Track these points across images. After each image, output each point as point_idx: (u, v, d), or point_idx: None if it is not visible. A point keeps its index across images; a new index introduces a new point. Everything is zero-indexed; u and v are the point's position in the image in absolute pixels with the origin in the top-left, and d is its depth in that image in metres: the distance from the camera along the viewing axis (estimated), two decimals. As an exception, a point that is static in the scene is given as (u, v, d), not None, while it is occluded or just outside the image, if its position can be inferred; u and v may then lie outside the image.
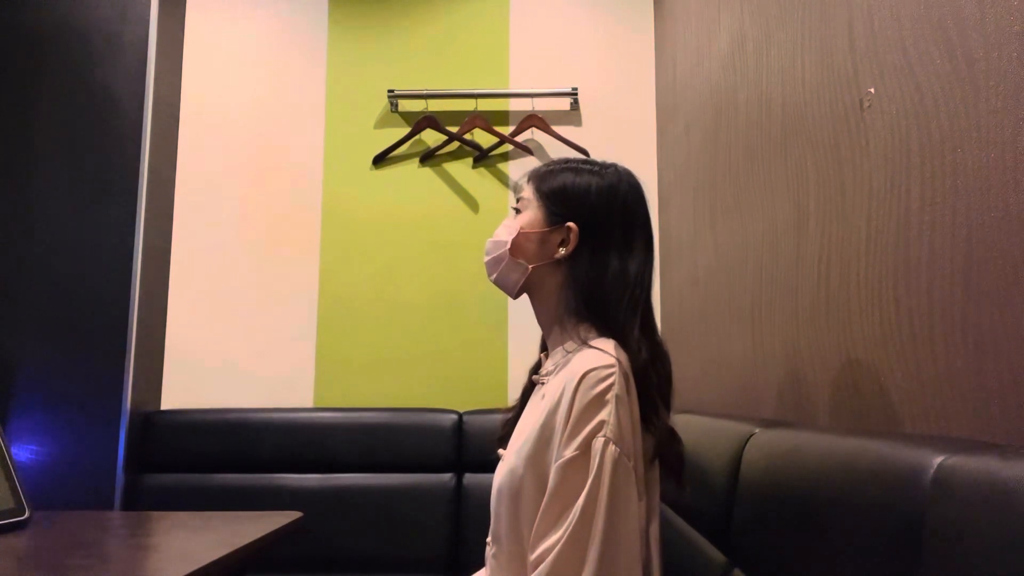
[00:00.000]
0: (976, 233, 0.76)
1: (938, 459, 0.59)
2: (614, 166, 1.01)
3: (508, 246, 0.98)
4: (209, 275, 2.31)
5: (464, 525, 2.00)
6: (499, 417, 1.09)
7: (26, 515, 1.37)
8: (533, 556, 0.82)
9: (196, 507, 1.82)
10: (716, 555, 1.09)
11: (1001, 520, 0.50)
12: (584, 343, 0.90)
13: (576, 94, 2.35)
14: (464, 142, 2.35)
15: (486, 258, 1.03)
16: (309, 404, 2.27)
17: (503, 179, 2.38)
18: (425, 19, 2.44)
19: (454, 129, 2.34)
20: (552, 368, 0.96)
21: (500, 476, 0.93)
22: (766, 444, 0.98)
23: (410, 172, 2.38)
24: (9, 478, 1.40)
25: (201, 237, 2.32)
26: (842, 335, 1.05)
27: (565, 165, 1.01)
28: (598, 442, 0.80)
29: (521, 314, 2.23)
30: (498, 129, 2.32)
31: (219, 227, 2.33)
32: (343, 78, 2.41)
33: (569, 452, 0.81)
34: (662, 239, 2.23)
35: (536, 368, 1.04)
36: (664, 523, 0.95)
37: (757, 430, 1.04)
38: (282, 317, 2.31)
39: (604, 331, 0.92)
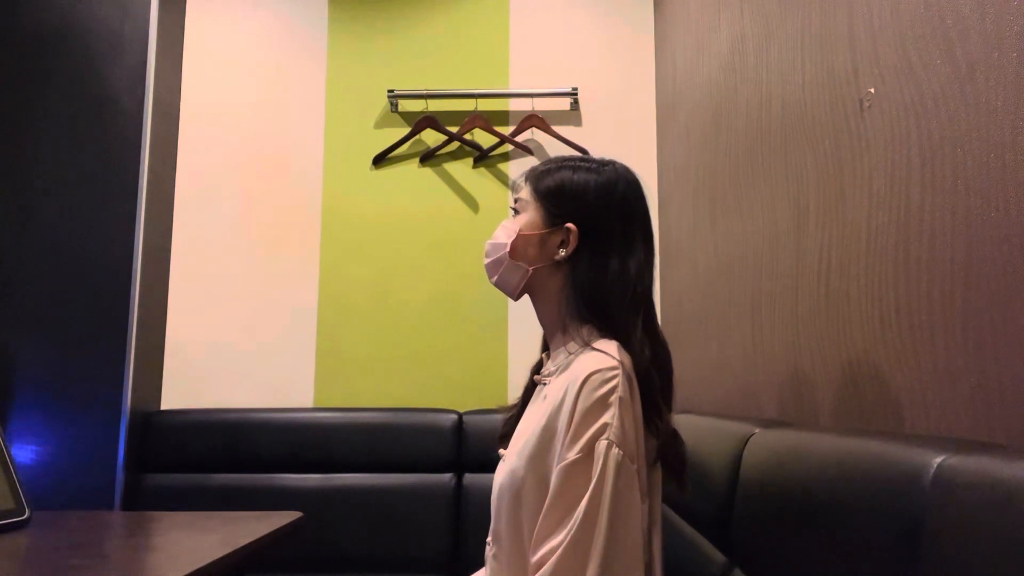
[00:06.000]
0: (976, 233, 0.76)
1: (938, 459, 0.59)
2: (612, 163, 1.00)
3: (507, 249, 0.98)
4: (209, 275, 2.31)
5: (464, 525, 2.00)
6: (499, 417, 1.08)
7: (26, 515, 1.37)
8: (535, 558, 0.81)
9: (196, 507, 1.82)
10: (716, 555, 1.09)
11: (1001, 520, 0.50)
12: (587, 345, 0.89)
13: (576, 94, 2.35)
14: (464, 142, 2.35)
15: (486, 260, 1.02)
16: (309, 404, 2.27)
17: (503, 179, 2.38)
18: (425, 19, 2.44)
19: (454, 129, 2.34)
20: (554, 369, 0.95)
21: (501, 476, 0.93)
22: (766, 444, 0.98)
23: (410, 172, 2.38)
24: (9, 478, 1.40)
25: (201, 237, 2.32)
26: (842, 335, 1.05)
27: (563, 163, 1.00)
28: (601, 445, 0.80)
29: (521, 314, 2.23)
30: (498, 129, 2.32)
31: (219, 227, 2.33)
32: (343, 78, 2.41)
33: (572, 455, 0.81)
34: (662, 239, 2.22)
35: (538, 367, 1.04)
36: (664, 523, 0.95)
37: (757, 430, 1.04)
38: (282, 317, 2.31)
39: (606, 332, 0.91)
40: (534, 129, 2.33)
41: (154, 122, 2.17)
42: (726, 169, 1.61)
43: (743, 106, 1.50)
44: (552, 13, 2.44)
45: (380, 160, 2.37)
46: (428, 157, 2.37)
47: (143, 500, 2.00)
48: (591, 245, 0.95)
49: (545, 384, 0.96)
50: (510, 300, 1.17)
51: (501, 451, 1.00)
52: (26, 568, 1.09)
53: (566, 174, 0.98)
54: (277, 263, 2.33)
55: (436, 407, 2.15)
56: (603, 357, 0.85)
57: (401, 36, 2.43)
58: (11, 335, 2.03)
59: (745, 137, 1.49)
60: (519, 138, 2.34)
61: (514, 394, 1.09)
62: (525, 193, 1.00)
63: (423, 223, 2.35)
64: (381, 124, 2.40)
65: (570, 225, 0.95)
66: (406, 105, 2.39)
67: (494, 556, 0.94)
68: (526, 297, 1.02)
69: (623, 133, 2.38)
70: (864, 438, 0.75)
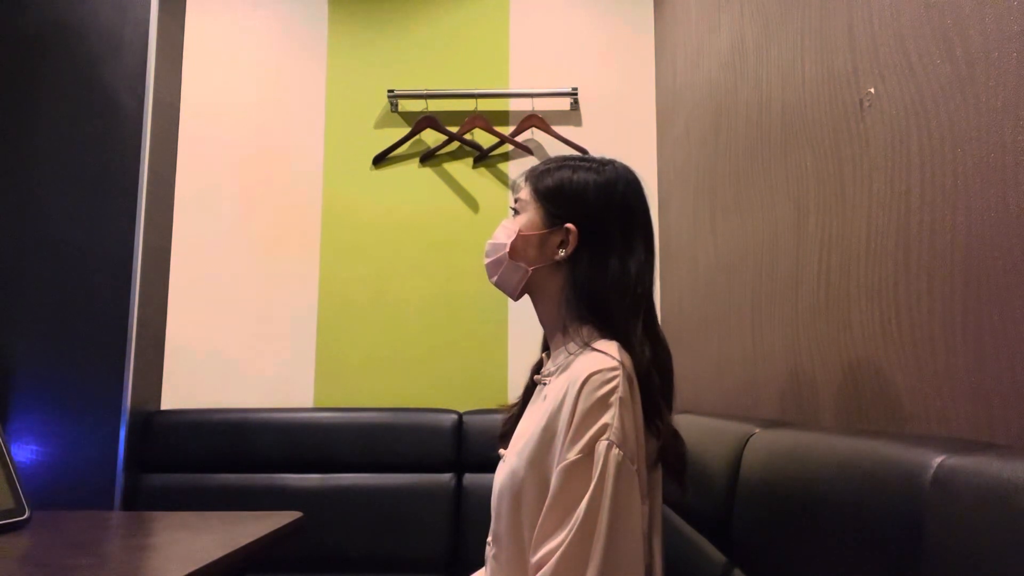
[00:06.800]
0: (976, 233, 0.76)
1: (938, 459, 0.59)
2: (612, 163, 1.00)
3: (507, 249, 0.98)
4: (209, 275, 2.31)
5: (464, 525, 2.00)
6: (499, 417, 1.08)
7: (26, 515, 1.37)
8: (535, 559, 0.81)
9: (196, 507, 1.82)
10: (716, 555, 1.09)
11: (1001, 520, 0.50)
12: (587, 346, 0.89)
13: (576, 94, 2.35)
14: (464, 142, 2.35)
15: (486, 260, 1.02)
16: (309, 404, 2.27)
17: (503, 179, 2.38)
18: (425, 19, 2.44)
19: (454, 129, 2.34)
20: (554, 369, 0.95)
21: (501, 476, 0.93)
22: (766, 444, 0.98)
23: (410, 172, 2.38)
24: (9, 478, 1.40)
25: (201, 237, 2.32)
26: (842, 335, 1.05)
27: (563, 163, 1.00)
28: (601, 445, 0.80)
29: (521, 314, 2.23)
30: (498, 129, 2.32)
31: (219, 227, 2.33)
32: (343, 78, 2.41)
33: (572, 455, 0.81)
34: (662, 239, 2.22)
35: (538, 367, 1.04)
36: (664, 523, 0.95)
37: (757, 430, 1.04)
38: (282, 317, 2.31)
39: (606, 333, 0.91)
40: (534, 129, 2.33)
41: (154, 122, 2.17)
42: (726, 169, 1.61)
43: (743, 106, 1.50)
44: (552, 13, 2.44)
45: (380, 160, 2.37)
46: (428, 157, 2.37)
47: (143, 500, 2.00)
48: (591, 245, 0.95)
49: (545, 384, 0.96)
50: (510, 300, 1.17)
51: (501, 451, 1.00)
52: (26, 568, 1.09)
53: (566, 174, 0.98)
54: (277, 263, 2.33)
55: (436, 407, 2.15)
56: (603, 358, 0.85)
57: (401, 36, 2.43)
58: (11, 335, 2.03)
59: (745, 137, 1.49)
60: (519, 138, 2.34)
61: (514, 394, 1.09)
62: (525, 193, 1.00)
63: (423, 223, 2.35)
64: (381, 124, 2.40)
65: (570, 225, 0.95)
66: (406, 105, 2.39)
67: (494, 557, 0.94)
68: (526, 297, 1.02)
69: (623, 133, 2.38)
70: (864, 438, 0.75)
